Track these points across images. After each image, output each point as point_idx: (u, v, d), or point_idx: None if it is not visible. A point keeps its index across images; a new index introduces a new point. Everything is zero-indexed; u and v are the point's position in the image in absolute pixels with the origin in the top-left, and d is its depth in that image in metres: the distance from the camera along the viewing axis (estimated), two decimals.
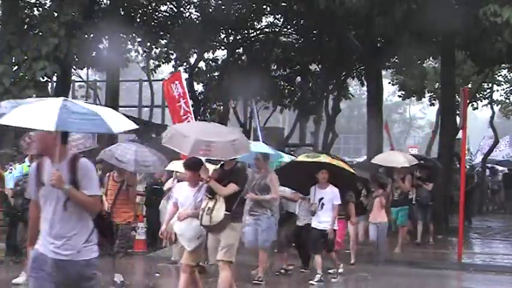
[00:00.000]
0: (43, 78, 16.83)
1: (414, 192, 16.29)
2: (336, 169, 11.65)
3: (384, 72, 26.46)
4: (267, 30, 27.83)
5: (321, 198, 11.55)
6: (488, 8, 14.53)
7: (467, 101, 17.06)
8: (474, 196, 25.28)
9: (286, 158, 13.82)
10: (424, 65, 28.78)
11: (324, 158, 11.96)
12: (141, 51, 28.20)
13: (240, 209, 9.07)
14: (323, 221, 11.54)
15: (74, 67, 21.77)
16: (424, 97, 32.16)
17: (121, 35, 19.96)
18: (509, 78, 31.75)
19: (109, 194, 10.33)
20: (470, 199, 24.05)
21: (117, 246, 9.99)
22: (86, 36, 17.30)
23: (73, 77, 27.98)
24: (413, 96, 32.23)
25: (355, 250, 13.78)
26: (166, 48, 26.75)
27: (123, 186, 10.33)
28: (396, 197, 15.54)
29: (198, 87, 30.16)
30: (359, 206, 13.83)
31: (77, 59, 18.23)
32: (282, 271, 12.30)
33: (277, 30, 27.72)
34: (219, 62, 29.18)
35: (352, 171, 12.16)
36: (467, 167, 28.04)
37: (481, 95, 31.08)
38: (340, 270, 12.27)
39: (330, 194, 11.52)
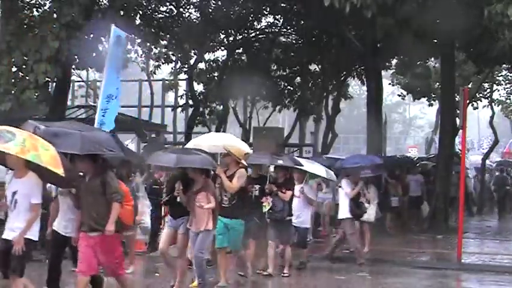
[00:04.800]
0: (44, 80, 16.80)
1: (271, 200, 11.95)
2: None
3: (384, 73, 26.47)
4: (267, 30, 27.85)
5: (14, 193, 7.79)
6: (493, 8, 14.54)
7: (467, 101, 17.06)
8: (509, 199, 26.02)
9: None
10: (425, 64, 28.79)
11: (13, 146, 7.37)
12: (140, 52, 28.24)
13: None
14: (15, 227, 7.77)
15: (74, 67, 21.75)
16: (426, 96, 32.08)
17: None
18: (510, 78, 31.78)
19: None
20: (505, 202, 25.11)
21: None
22: (86, 37, 17.28)
23: (73, 77, 27.98)
24: (424, 97, 32.04)
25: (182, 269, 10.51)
26: (166, 49, 26.78)
27: None
28: (227, 202, 10.52)
29: (198, 87, 30.21)
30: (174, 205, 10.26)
31: (77, 60, 18.21)
32: None
33: (276, 30, 27.74)
34: (219, 63, 29.20)
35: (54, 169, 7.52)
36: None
37: (481, 95, 31.11)
38: None
39: (26, 187, 7.75)
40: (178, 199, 10.01)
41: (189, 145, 11.54)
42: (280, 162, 12.12)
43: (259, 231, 11.82)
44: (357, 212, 13.71)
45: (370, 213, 14.81)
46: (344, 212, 13.71)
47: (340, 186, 13.92)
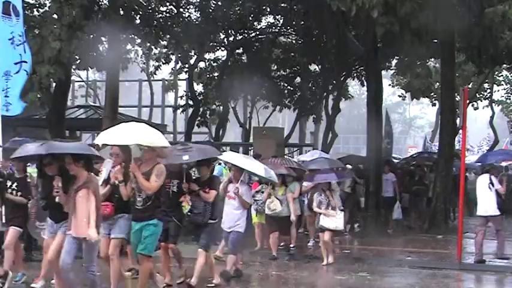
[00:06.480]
0: (48, 82, 16.79)
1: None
2: None
3: (384, 73, 26.49)
4: (267, 30, 27.89)
5: None
6: (494, 10, 14.56)
7: (467, 101, 17.07)
8: None
9: None
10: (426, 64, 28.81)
11: None
12: (140, 53, 28.25)
13: None
14: None
15: (74, 67, 21.76)
16: (429, 96, 32.10)
17: (121, 35, 19.95)
18: (510, 78, 31.85)
19: None
20: (509, 200, 25.32)
21: None
22: (87, 37, 17.28)
23: (73, 77, 28.03)
24: (423, 97, 31.99)
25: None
26: (166, 49, 26.80)
27: None
28: (140, 204, 8.99)
29: (198, 88, 30.25)
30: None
31: (78, 61, 18.20)
32: None
33: (276, 30, 27.78)
34: (219, 62, 29.24)
35: None
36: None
37: (481, 95, 31.14)
38: None
39: None
40: (57, 199, 8.56)
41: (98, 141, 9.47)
42: (185, 158, 10.05)
43: (178, 233, 10.35)
44: (504, 208, 13.82)
45: (339, 221, 13.49)
46: (493, 209, 13.60)
47: (491, 183, 13.49)
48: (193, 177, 10.67)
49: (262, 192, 13.88)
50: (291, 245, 14.92)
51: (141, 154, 9.02)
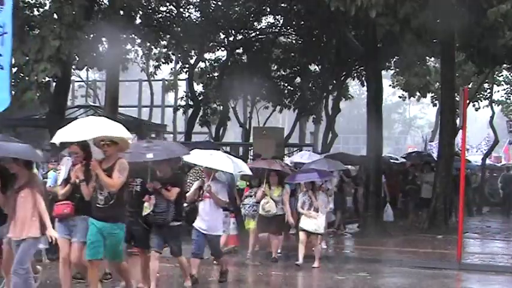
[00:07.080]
0: (45, 79, 16.77)
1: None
2: None
3: (384, 73, 26.48)
4: (267, 30, 27.89)
5: None
6: (497, 9, 14.56)
7: (468, 101, 17.08)
8: None
9: None
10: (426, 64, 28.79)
11: None
12: (140, 53, 28.24)
13: None
14: None
15: (74, 67, 21.75)
16: (425, 97, 32.10)
17: (121, 35, 19.96)
18: (510, 78, 31.84)
19: None
20: (510, 199, 26.37)
21: None
22: (87, 37, 17.29)
23: (73, 77, 28.01)
24: (419, 94, 31.88)
25: None
26: (166, 49, 26.80)
27: None
28: (102, 203, 8.43)
29: (198, 88, 30.25)
30: None
31: (78, 60, 18.21)
32: None
33: (277, 30, 27.78)
34: (219, 62, 29.26)
35: None
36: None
37: (481, 95, 31.13)
38: None
39: None
40: None
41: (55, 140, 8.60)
42: (149, 156, 9.38)
43: (147, 237, 9.71)
44: None
45: (319, 223, 12.95)
46: None
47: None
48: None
49: (251, 196, 13.59)
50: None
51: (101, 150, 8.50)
